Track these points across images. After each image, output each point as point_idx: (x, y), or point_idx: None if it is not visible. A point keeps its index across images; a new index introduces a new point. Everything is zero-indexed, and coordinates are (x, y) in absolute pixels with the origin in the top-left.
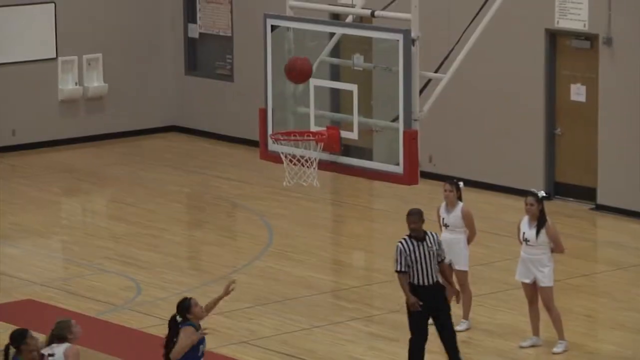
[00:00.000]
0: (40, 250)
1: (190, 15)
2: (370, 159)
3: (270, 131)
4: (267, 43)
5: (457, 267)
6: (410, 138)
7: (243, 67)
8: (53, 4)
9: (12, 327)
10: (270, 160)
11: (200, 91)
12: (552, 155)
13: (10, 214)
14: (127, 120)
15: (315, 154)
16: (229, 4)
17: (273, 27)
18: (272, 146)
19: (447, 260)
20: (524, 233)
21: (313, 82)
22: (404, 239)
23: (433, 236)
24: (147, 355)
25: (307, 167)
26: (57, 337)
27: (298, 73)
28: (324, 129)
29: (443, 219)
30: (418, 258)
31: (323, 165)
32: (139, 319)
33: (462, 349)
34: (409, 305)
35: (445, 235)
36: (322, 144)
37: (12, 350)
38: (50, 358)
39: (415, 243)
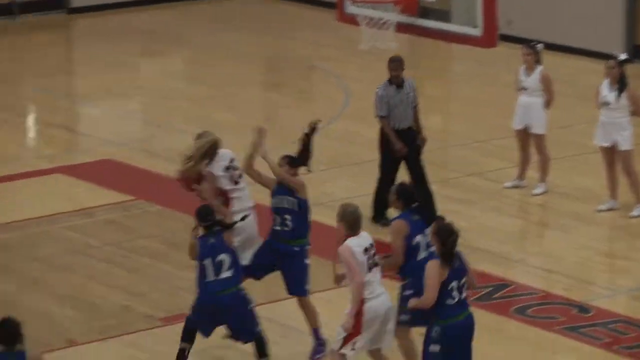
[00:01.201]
0: (119, 111)
1: None
2: (448, 21)
3: None
4: None
5: (534, 130)
6: (489, 0)
7: None
8: None
9: (89, 186)
10: (348, 22)
11: None
12: (632, 17)
13: (89, 75)
14: None
15: (393, 16)
16: None
17: None
18: (350, 8)
19: (520, 126)
20: (604, 96)
21: None
22: (383, 84)
23: (410, 82)
24: None
25: (385, 29)
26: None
27: None
28: None
29: (521, 82)
30: (397, 103)
31: (400, 27)
32: None
33: (539, 212)
34: (395, 150)
35: (523, 99)
36: (400, 6)
37: None
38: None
39: (394, 89)
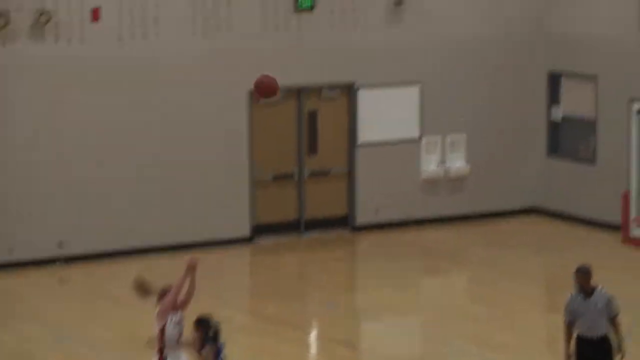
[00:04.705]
0: (401, 327)
1: (554, 97)
2: None
3: (633, 215)
4: (631, 126)
5: None
6: None
7: (605, 149)
8: (419, 85)
9: None
10: (633, 245)
11: (562, 174)
12: None
13: (371, 290)
14: (487, 202)
15: None
16: (594, 85)
17: (639, 110)
18: (635, 231)
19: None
20: None
21: None
22: (573, 293)
23: (602, 293)
24: None
25: None
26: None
27: (264, 90)
28: None
29: None
30: (584, 312)
31: None
32: None
33: None
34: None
35: None
36: None
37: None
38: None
39: (581, 298)
